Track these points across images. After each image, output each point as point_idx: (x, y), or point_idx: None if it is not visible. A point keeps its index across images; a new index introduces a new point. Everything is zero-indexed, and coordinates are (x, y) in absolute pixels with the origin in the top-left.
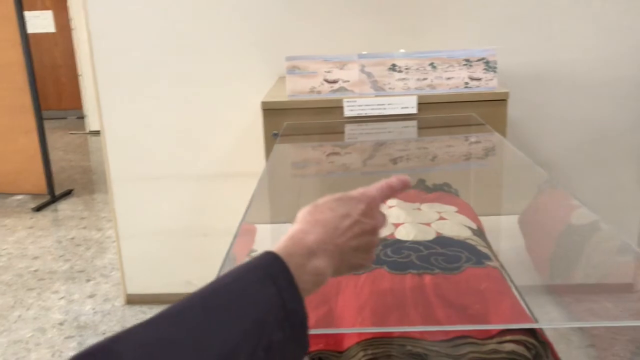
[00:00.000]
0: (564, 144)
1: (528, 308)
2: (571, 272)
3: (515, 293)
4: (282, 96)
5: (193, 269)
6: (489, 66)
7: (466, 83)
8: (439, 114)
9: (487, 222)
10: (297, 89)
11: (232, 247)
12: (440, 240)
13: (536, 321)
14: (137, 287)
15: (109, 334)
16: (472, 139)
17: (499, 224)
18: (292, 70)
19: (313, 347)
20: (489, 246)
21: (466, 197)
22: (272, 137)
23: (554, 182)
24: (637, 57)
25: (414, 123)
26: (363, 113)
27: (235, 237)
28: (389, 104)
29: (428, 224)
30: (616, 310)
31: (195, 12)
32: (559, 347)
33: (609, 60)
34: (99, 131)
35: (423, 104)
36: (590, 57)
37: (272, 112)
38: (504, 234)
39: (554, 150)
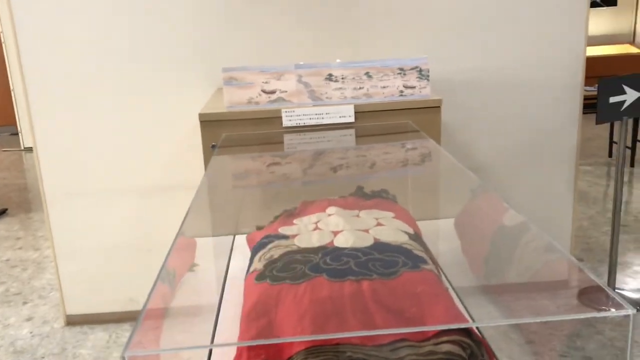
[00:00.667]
0: (498, 147)
1: (465, 308)
2: (506, 271)
3: (452, 294)
4: (220, 107)
5: (135, 286)
6: (422, 74)
7: (401, 91)
8: (376, 122)
9: (424, 226)
10: (234, 100)
11: (166, 262)
12: (378, 246)
13: (473, 321)
14: (78, 307)
15: (48, 357)
16: (408, 146)
17: (436, 227)
18: (229, 81)
19: (254, 359)
20: (425, 250)
21: (404, 203)
22: (211, 149)
23: (486, 185)
24: (564, 62)
25: (352, 131)
26: (301, 123)
27: (170, 251)
28: (326, 114)
29: (366, 231)
30: (553, 306)
31: (130, 23)
32: (499, 345)
33: (537, 65)
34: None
35: (360, 113)
36: (519, 62)
37: (210, 123)
38: (441, 236)
39: (489, 153)
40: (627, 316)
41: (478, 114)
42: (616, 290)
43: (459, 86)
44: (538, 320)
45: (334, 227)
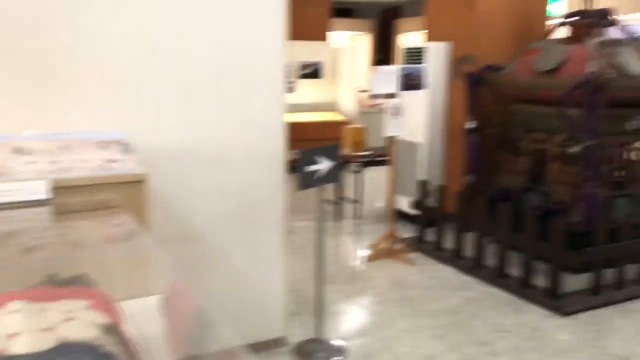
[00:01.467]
0: (215, 213)
1: None
2: (212, 343)
3: None
4: None
5: None
6: (125, 148)
7: (104, 165)
8: (78, 198)
9: (130, 306)
10: None
11: None
12: (62, 348)
13: None
14: None
15: None
16: (113, 222)
17: (142, 307)
18: None
19: None
20: (120, 341)
21: (107, 285)
22: None
23: (195, 256)
24: (267, 133)
25: (50, 209)
26: None
27: None
28: (14, 190)
29: (51, 329)
30: None
31: None
32: None
33: (244, 136)
34: None
35: (59, 188)
36: (229, 134)
37: None
38: (147, 317)
39: (207, 220)
40: None
41: (194, 183)
42: (324, 339)
43: (173, 157)
44: None
45: (10, 330)
